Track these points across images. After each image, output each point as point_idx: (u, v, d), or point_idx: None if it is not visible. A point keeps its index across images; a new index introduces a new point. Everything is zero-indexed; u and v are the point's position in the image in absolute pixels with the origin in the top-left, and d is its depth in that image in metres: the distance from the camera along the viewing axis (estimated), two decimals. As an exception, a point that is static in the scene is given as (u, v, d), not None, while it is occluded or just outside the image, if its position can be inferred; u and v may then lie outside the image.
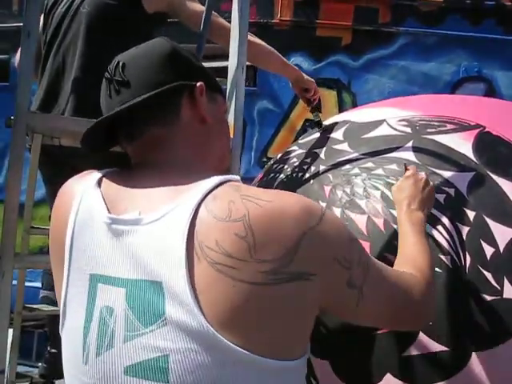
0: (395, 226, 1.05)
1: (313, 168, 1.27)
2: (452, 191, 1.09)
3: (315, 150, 1.34)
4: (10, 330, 1.72)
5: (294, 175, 1.31)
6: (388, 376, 1.01)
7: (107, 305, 0.70)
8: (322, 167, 1.26)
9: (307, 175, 1.27)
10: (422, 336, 1.00)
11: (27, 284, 1.91)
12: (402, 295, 0.80)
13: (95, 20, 1.54)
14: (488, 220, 1.04)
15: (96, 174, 0.81)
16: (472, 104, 1.47)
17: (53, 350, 2.14)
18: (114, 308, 0.69)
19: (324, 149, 1.32)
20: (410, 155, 1.17)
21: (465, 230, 1.04)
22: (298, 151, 1.41)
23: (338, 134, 1.34)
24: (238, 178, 0.75)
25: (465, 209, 1.06)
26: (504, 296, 0.99)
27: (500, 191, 1.08)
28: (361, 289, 0.73)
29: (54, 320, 2.03)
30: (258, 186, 1.41)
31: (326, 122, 1.49)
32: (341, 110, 3.79)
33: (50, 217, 0.87)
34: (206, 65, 0.93)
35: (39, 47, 1.64)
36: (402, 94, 1.98)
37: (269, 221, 0.67)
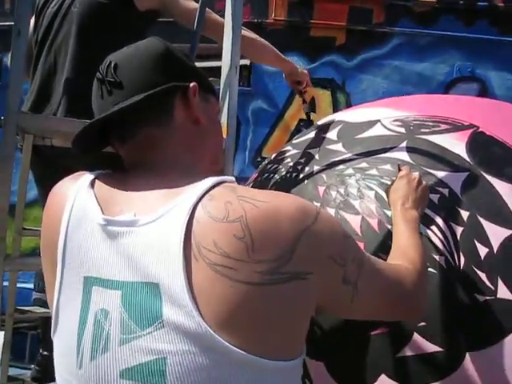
0: (389, 227, 1.05)
1: (307, 168, 1.27)
2: (446, 191, 1.09)
3: (309, 150, 1.34)
4: (2, 333, 1.70)
5: (288, 175, 1.31)
6: (382, 377, 1.01)
7: (102, 307, 0.69)
8: (316, 167, 1.25)
9: (301, 175, 1.27)
10: (416, 336, 1.00)
11: (20, 285, 1.89)
12: (395, 287, 0.82)
13: (87, 19, 1.53)
14: (482, 220, 1.04)
15: (88, 176, 0.80)
16: (465, 104, 1.47)
17: (45, 353, 2.12)
18: (110, 311, 0.69)
19: (318, 149, 1.32)
20: (404, 155, 1.17)
21: (459, 230, 1.04)
22: (292, 151, 1.40)
23: (332, 134, 1.34)
24: (232, 178, 0.75)
25: (459, 209, 1.06)
26: (498, 296, 0.99)
27: (494, 191, 1.08)
28: (355, 285, 0.74)
29: (46, 322, 2.02)
30: (252, 187, 1.42)
31: (320, 122, 1.48)
32: (335, 109, 3.79)
33: None
34: (199, 64, 0.92)
35: (31, 47, 1.63)
36: (395, 93, 1.99)
37: (266, 221, 0.67)
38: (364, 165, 1.18)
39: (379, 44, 3.97)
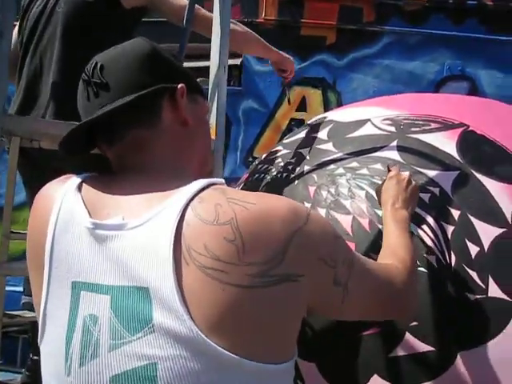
0: (380, 226, 1.04)
1: (297, 168, 1.27)
2: (437, 190, 1.09)
3: (300, 150, 1.33)
4: (-9, 337, 1.68)
5: (279, 176, 1.30)
6: (375, 377, 1.01)
7: (91, 313, 0.68)
8: (306, 167, 1.25)
9: (292, 176, 1.26)
10: (408, 336, 1.00)
11: (10, 288, 1.87)
12: (385, 287, 0.82)
13: (71, 19, 1.51)
14: (472, 219, 1.05)
15: (76, 179, 0.79)
16: (456, 103, 1.48)
17: (35, 358, 2.10)
18: (99, 316, 0.68)
19: (309, 149, 1.31)
20: (394, 154, 1.17)
21: (450, 229, 1.05)
22: (282, 151, 1.40)
23: (322, 134, 1.34)
24: (222, 181, 0.74)
25: (449, 208, 1.06)
26: (489, 295, 0.99)
27: (484, 190, 1.08)
28: (346, 285, 0.74)
29: (36, 327, 1.99)
30: (243, 187, 1.41)
31: (311, 122, 1.48)
32: (326, 109, 3.79)
33: None
34: (188, 64, 0.91)
35: (16, 49, 1.61)
36: (386, 92, 1.99)
37: (256, 223, 0.66)
38: (355, 164, 1.18)
39: (370, 43, 3.98)
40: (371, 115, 1.32)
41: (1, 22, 1.16)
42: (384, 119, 1.28)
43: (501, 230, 1.03)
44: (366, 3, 3.99)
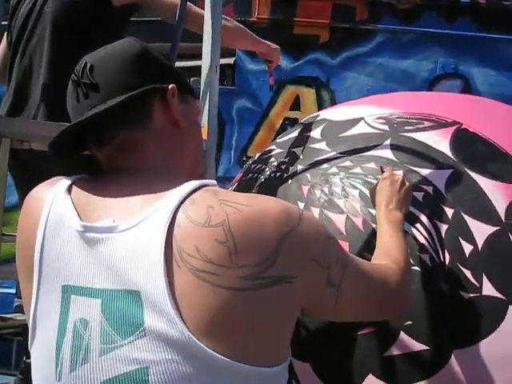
0: (374, 225, 1.04)
1: (291, 168, 1.26)
2: (430, 189, 1.09)
3: (293, 150, 1.33)
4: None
5: (273, 175, 1.30)
6: (370, 377, 1.01)
7: (81, 317, 0.68)
8: (300, 167, 1.24)
9: (285, 175, 1.26)
10: (402, 335, 0.99)
11: (3, 291, 1.86)
12: (379, 287, 0.82)
13: (60, 19, 1.50)
14: (466, 217, 1.05)
15: (65, 181, 0.78)
16: (449, 101, 1.48)
17: (29, 361, 2.08)
18: (89, 320, 0.67)
19: (302, 148, 1.31)
20: (387, 153, 1.17)
21: (443, 227, 1.04)
22: (276, 150, 1.40)
23: (315, 133, 1.33)
24: (214, 182, 0.74)
25: (443, 206, 1.06)
26: (483, 293, 0.99)
27: (477, 188, 1.08)
28: (339, 286, 0.73)
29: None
30: (237, 186, 1.41)
31: (304, 120, 1.48)
32: (320, 107, 3.79)
33: None
34: (180, 64, 0.90)
35: (5, 49, 1.60)
36: (380, 90, 1.99)
37: (248, 225, 0.66)
38: (348, 163, 1.18)
39: (363, 41, 3.98)
40: (364, 114, 1.31)
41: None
42: (377, 118, 1.28)
43: (494, 228, 1.03)
44: (359, 1, 3.99)
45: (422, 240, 1.04)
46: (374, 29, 3.98)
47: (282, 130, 3.57)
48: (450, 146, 1.16)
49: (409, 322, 0.99)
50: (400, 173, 1.06)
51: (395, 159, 1.15)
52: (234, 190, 1.38)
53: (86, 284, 0.68)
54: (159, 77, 0.78)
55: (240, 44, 1.88)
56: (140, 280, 0.65)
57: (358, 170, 1.15)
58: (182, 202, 0.67)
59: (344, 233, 1.08)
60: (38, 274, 0.73)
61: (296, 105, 3.95)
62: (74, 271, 0.70)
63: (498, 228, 1.03)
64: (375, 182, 1.08)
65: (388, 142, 1.19)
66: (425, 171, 1.12)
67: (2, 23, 1.68)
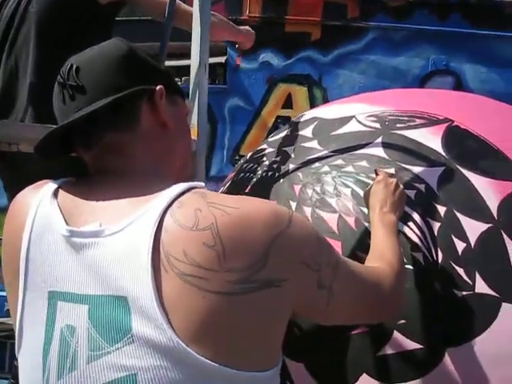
0: (366, 224, 1.04)
1: (283, 167, 1.26)
2: (422, 187, 1.09)
3: (285, 149, 1.32)
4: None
5: (264, 175, 1.29)
6: (364, 376, 1.01)
7: (68, 323, 0.67)
8: (291, 166, 1.24)
9: (277, 174, 1.25)
10: (396, 334, 0.99)
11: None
12: (372, 289, 0.81)
13: (45, 18, 1.49)
14: (458, 215, 1.04)
15: (51, 185, 0.77)
16: (440, 98, 1.47)
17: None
18: (76, 327, 0.66)
19: (293, 147, 1.30)
20: (379, 151, 1.16)
21: (436, 225, 1.04)
22: (268, 150, 1.39)
23: (307, 132, 1.33)
24: (202, 184, 0.73)
25: (435, 204, 1.06)
26: (476, 291, 0.99)
27: (469, 185, 1.08)
28: (330, 288, 0.73)
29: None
30: (229, 186, 1.40)
31: (296, 119, 1.47)
32: (312, 105, 3.79)
33: None
34: (169, 63, 0.89)
35: None
36: (372, 88, 1.99)
37: (237, 228, 0.65)
38: (340, 162, 1.17)
39: (355, 39, 3.98)
40: (356, 112, 1.31)
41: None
42: (369, 116, 1.27)
43: (487, 226, 1.03)
44: (351, -1, 4.00)
45: (415, 238, 1.03)
46: (365, 26, 3.99)
47: (275, 128, 3.57)
48: (441, 143, 1.15)
49: (402, 321, 0.98)
50: (392, 171, 1.06)
51: (387, 157, 1.14)
52: (226, 190, 1.38)
53: (73, 290, 0.67)
54: (147, 78, 0.77)
55: (225, 36, 1.89)
56: (127, 285, 0.64)
57: (349, 168, 1.15)
58: (169, 205, 0.66)
59: (336, 232, 1.07)
60: (23, 278, 0.72)
61: (288, 103, 3.95)
62: (60, 277, 0.69)
63: (490, 225, 1.03)
64: (367, 180, 1.07)
65: (380, 139, 1.19)
66: (417, 169, 1.11)
67: None
